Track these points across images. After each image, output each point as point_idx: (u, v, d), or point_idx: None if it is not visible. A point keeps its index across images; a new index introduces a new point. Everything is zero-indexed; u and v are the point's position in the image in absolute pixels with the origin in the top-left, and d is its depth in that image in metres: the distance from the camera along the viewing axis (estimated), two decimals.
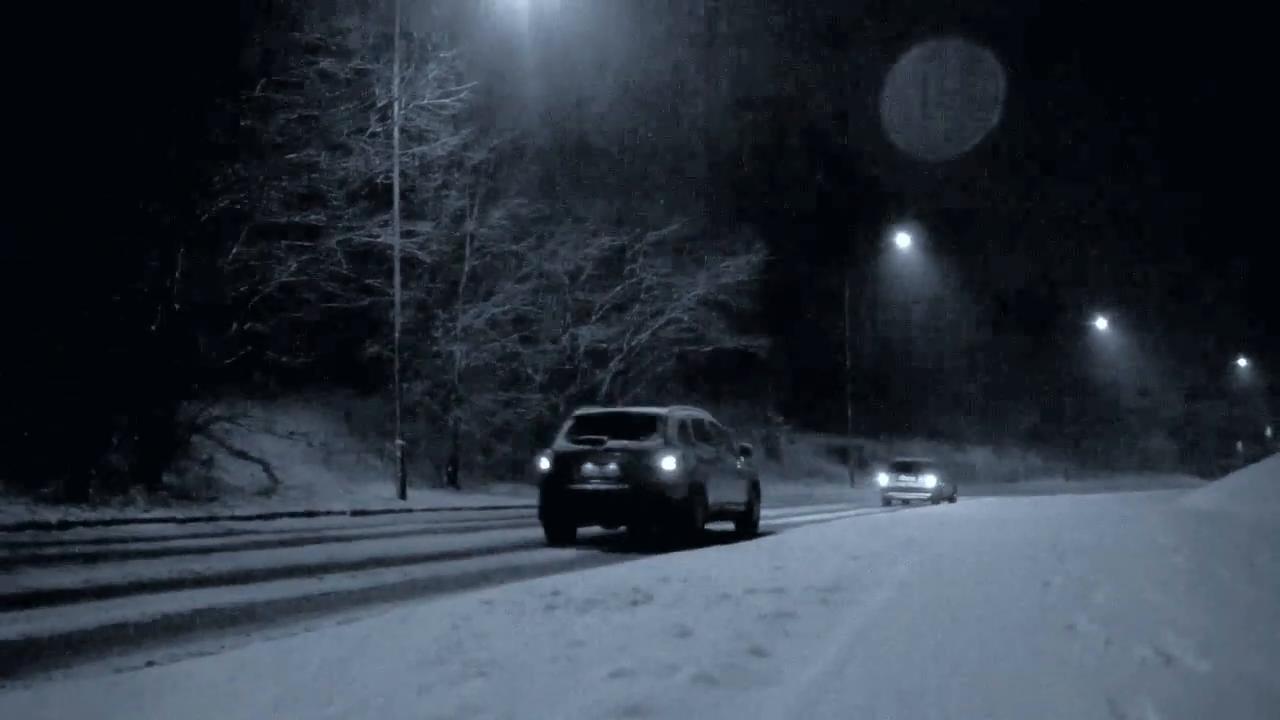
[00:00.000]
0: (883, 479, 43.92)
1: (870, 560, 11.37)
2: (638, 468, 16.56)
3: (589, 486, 16.68)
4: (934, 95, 75.33)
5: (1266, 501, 21.29)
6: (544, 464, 17.27)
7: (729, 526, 19.52)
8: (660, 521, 16.82)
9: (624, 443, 16.79)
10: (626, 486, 16.52)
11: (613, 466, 16.63)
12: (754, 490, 20.46)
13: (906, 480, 42.83)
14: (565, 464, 16.91)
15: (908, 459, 47.50)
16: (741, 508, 19.61)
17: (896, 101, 70.71)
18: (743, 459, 20.39)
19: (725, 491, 18.61)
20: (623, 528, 18.17)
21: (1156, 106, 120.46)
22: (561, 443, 17.41)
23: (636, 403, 39.58)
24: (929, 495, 42.09)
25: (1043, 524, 19.17)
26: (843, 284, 60.91)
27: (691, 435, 17.92)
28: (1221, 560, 10.95)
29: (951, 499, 44.05)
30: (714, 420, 20.18)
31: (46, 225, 20.88)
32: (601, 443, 16.84)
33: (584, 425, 17.58)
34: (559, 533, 17.21)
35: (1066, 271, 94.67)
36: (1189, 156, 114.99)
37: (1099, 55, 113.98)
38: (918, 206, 73.15)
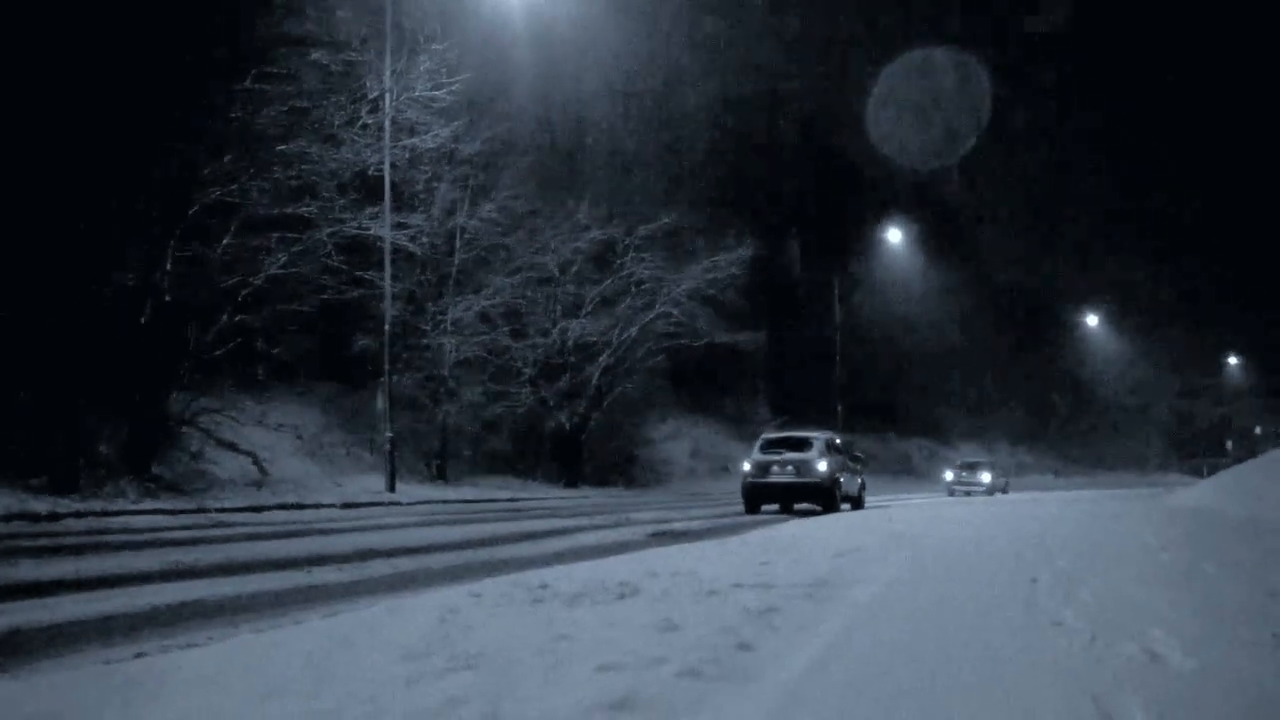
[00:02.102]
0: (949, 475, 54.31)
1: (857, 556, 11.38)
2: (804, 468, 26.13)
3: (773, 480, 26.34)
4: (926, 97, 75.49)
5: (1256, 500, 21.32)
6: (746, 466, 27.17)
7: (847, 506, 27.96)
8: (817, 501, 26.31)
9: (794, 454, 26.50)
10: (797, 479, 26.11)
11: (790, 467, 26.25)
12: (862, 484, 30.74)
13: (967, 476, 53.11)
14: (759, 467, 26.63)
15: (970, 460, 59.93)
16: (856, 494, 29.47)
17: (889, 101, 70.93)
18: (858, 464, 30.83)
19: (848, 484, 28.23)
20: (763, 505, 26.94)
21: (1149, 106, 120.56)
22: (756, 454, 27.14)
23: (626, 398, 42.81)
24: (985, 488, 51.76)
25: (1031, 521, 19.21)
26: (833, 279, 60.95)
27: (831, 449, 27.28)
28: (1209, 558, 10.98)
29: (1005, 490, 54.11)
30: (842, 439, 30.25)
31: (34, 217, 20.84)
32: (781, 453, 26.72)
33: (769, 443, 27.67)
34: (754, 507, 26.67)
35: (1057, 269, 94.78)
36: (1182, 155, 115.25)
37: (1092, 55, 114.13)
38: (910, 202, 73.23)
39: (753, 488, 26.55)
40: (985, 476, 52.78)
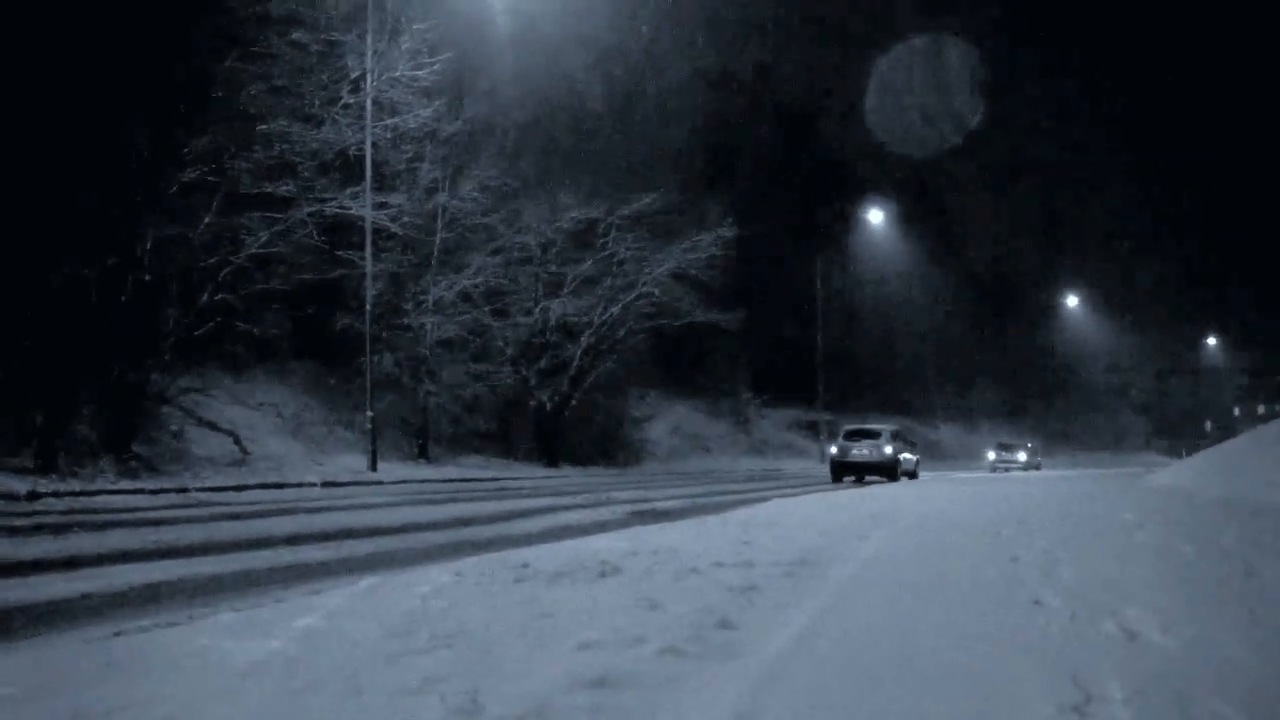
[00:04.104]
0: (990, 454, 63.99)
1: (839, 535, 11.42)
2: (875, 451, 35.50)
3: (852, 459, 35.73)
4: (914, 81, 75.45)
5: (1234, 480, 21.43)
6: (833, 449, 36.86)
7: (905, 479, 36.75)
8: (883, 474, 35.63)
9: (867, 440, 36.00)
10: (869, 459, 35.52)
11: (865, 450, 35.63)
12: (917, 461, 40.38)
13: (1006, 455, 62.56)
14: (842, 449, 36.06)
15: (1008, 441, 67.62)
16: (912, 469, 38.71)
17: (876, 84, 71.03)
18: (914, 448, 40.72)
19: (906, 463, 37.50)
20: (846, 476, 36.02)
21: (1130, 89, 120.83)
22: (840, 441, 36.73)
23: (608, 377, 43.28)
24: (1022, 465, 61.41)
25: (1010, 500, 19.29)
26: (814, 259, 60.97)
27: (895, 437, 36.57)
28: (1187, 538, 11.04)
29: (1038, 468, 62.05)
30: (902, 430, 41.27)
31: (14, 196, 20.74)
32: (858, 440, 36.13)
33: (849, 433, 37.01)
34: (838, 477, 35.84)
35: (1037, 248, 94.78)
36: (1163, 137, 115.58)
37: (1072, 41, 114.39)
38: (891, 182, 73.18)
39: (838, 464, 36.14)
40: (1021, 455, 62.57)
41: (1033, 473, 55.28)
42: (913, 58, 74.07)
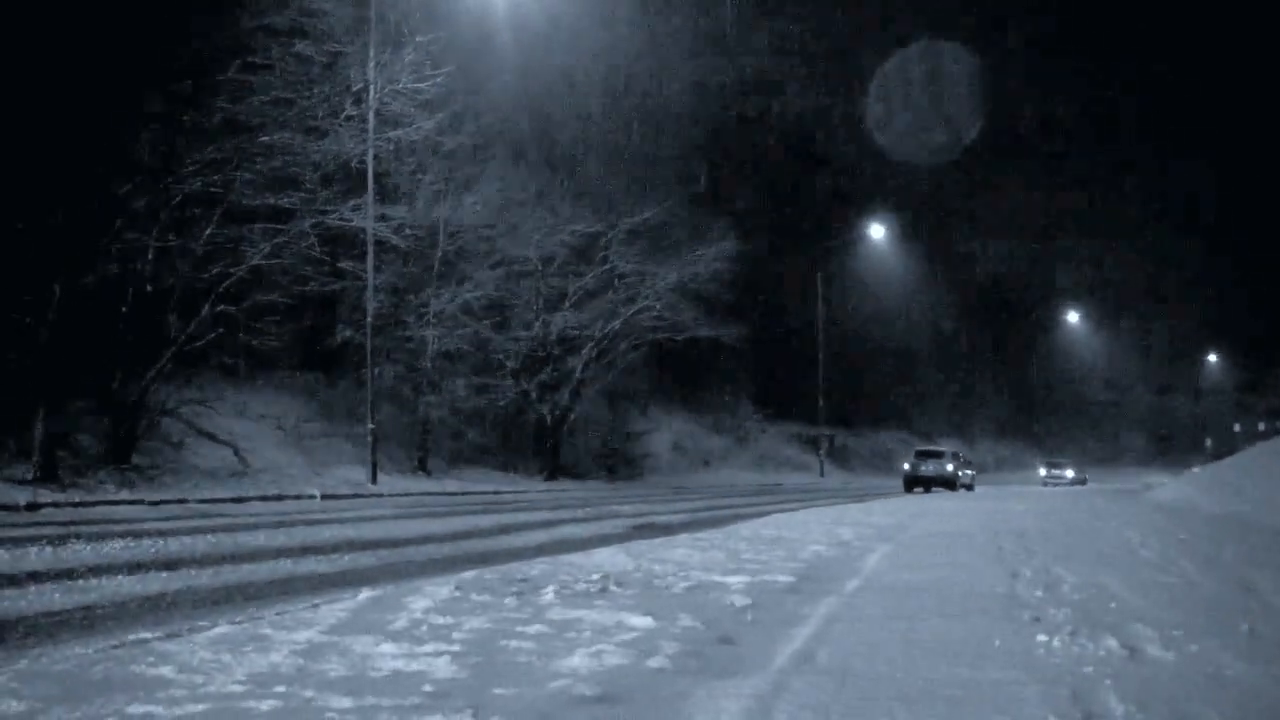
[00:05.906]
0: (1042, 471, 71.30)
1: (843, 550, 11.42)
2: (939, 467, 44.07)
3: (921, 474, 43.80)
4: (914, 93, 75.61)
5: (1234, 496, 21.40)
6: (906, 466, 44.78)
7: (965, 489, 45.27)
8: (945, 486, 42.74)
9: (933, 460, 45.22)
10: (935, 473, 43.68)
11: (931, 467, 44.15)
12: (974, 475, 49.46)
13: (1056, 471, 69.28)
14: (913, 466, 44.35)
15: (1057, 459, 76.28)
16: (969, 483, 47.03)
17: (876, 98, 71.16)
18: (971, 466, 50.86)
19: (964, 478, 45.80)
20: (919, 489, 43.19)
21: (1131, 105, 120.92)
22: (911, 460, 45.46)
23: (609, 391, 44.25)
24: (1069, 480, 66.88)
25: (1011, 516, 19.27)
26: (816, 274, 60.96)
27: (955, 457, 45.89)
28: (1186, 554, 11.03)
29: (1083, 483, 66.64)
30: (961, 451, 51.98)
31: (14, 206, 20.76)
32: (926, 459, 45.38)
33: (919, 453, 46.75)
34: (909, 488, 42.41)
35: (1039, 265, 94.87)
36: (1163, 154, 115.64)
37: (1075, 54, 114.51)
38: (893, 199, 73.31)
39: (910, 478, 43.92)
40: (1069, 472, 69.28)
41: (1077, 487, 60.78)
42: (913, 67, 74.27)
